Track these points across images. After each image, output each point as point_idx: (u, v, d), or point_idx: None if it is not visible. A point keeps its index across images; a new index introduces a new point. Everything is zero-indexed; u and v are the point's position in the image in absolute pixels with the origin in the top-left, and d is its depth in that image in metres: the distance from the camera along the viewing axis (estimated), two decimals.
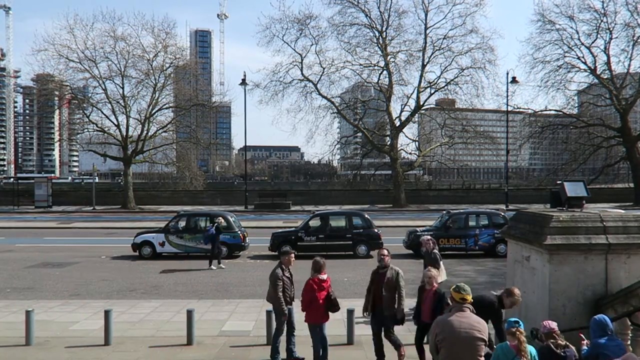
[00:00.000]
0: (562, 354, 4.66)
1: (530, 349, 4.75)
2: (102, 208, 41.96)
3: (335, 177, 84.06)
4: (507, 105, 41.44)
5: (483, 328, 4.85)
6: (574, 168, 43.04)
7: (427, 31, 41.76)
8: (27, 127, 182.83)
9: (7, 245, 21.56)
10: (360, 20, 41.69)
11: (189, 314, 8.80)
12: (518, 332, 4.67)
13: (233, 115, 62.64)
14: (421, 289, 7.44)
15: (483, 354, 4.79)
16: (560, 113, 43.37)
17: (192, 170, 45.35)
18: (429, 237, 11.04)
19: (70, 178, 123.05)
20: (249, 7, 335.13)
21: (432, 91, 42.83)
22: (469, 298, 4.96)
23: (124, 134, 41.98)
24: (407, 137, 46.41)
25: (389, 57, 41.46)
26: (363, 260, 17.87)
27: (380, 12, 41.11)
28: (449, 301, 5.20)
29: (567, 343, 4.78)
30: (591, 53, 40.22)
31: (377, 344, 7.80)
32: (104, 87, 41.45)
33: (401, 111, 43.58)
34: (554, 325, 4.89)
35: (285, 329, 7.99)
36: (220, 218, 18.15)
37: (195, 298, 12.38)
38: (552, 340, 4.77)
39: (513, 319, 4.92)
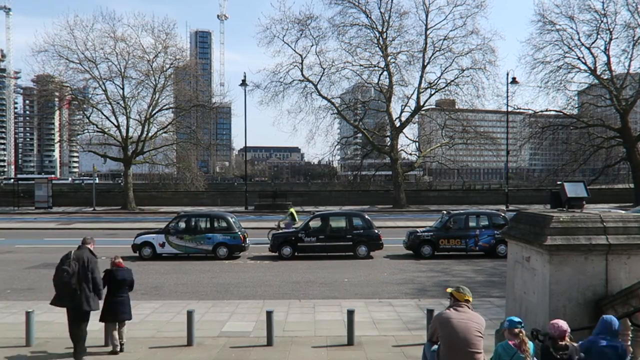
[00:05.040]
0: (563, 356, 4.65)
1: (530, 345, 4.85)
2: (102, 209, 41.95)
3: (336, 178, 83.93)
4: (507, 105, 41.51)
5: (481, 323, 5.00)
6: (574, 169, 42.98)
7: (428, 32, 41.79)
8: (27, 128, 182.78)
9: (7, 246, 21.56)
10: (361, 21, 41.75)
11: (189, 314, 8.79)
12: (521, 334, 4.73)
13: (233, 116, 62.55)
14: None
15: (482, 349, 4.87)
16: (561, 113, 43.33)
17: (192, 171, 45.28)
18: None
19: (70, 179, 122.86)
20: (249, 7, 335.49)
21: (433, 92, 42.83)
22: (471, 299, 5.18)
23: (124, 134, 41.97)
24: (407, 137, 46.55)
25: (389, 57, 41.45)
26: (363, 260, 17.88)
27: (381, 12, 41.16)
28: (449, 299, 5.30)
29: (567, 343, 4.74)
30: (591, 53, 40.20)
31: None
32: (104, 88, 41.46)
33: (401, 112, 43.62)
34: (566, 327, 4.76)
35: None
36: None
37: (195, 299, 12.38)
38: (550, 341, 4.74)
39: (517, 320, 4.91)
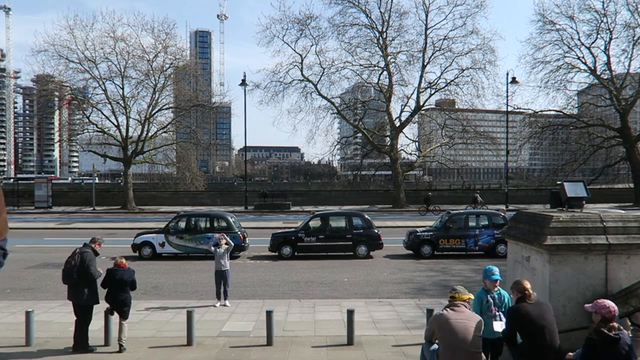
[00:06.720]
0: (615, 336, 4.28)
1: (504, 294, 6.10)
2: (102, 209, 41.95)
3: (336, 178, 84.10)
4: (507, 105, 41.49)
5: (479, 322, 5.07)
6: (574, 168, 43.04)
7: (428, 32, 41.82)
8: (27, 128, 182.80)
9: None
10: (361, 21, 41.77)
11: (189, 314, 8.79)
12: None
13: (233, 116, 62.41)
14: None
15: (481, 348, 4.90)
16: (561, 113, 43.37)
17: (192, 170, 45.28)
18: None
19: (70, 179, 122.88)
20: (249, 7, 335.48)
21: (432, 91, 42.85)
22: (467, 298, 5.27)
23: (124, 134, 41.94)
24: (407, 137, 46.52)
25: (389, 57, 41.45)
26: (363, 260, 17.88)
27: (380, 12, 41.17)
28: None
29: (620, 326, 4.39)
30: (591, 53, 40.26)
31: None
32: (103, 88, 41.43)
33: (401, 111, 43.63)
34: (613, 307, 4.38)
35: None
36: None
37: (195, 298, 12.38)
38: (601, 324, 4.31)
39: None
